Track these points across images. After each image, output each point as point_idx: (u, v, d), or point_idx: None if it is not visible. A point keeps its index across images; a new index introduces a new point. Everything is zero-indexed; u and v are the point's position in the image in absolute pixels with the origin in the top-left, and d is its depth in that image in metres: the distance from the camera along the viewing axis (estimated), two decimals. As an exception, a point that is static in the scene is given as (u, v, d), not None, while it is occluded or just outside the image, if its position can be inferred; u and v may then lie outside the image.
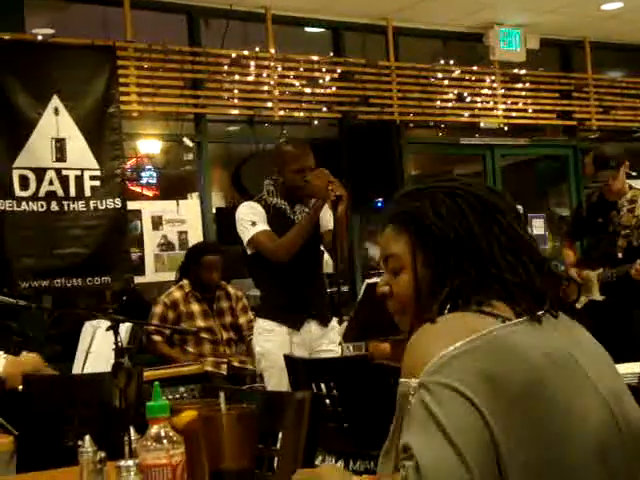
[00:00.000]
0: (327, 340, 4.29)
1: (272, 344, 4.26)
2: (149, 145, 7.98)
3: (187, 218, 7.18)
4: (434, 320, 1.47)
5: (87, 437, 1.38)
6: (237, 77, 7.27)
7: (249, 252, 4.33)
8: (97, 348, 4.24)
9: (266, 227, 4.25)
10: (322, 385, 3.18)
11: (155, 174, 8.61)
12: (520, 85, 8.75)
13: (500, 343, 1.39)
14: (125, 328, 3.71)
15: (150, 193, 8.60)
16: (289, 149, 4.36)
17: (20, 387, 3.46)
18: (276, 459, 2.02)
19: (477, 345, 1.37)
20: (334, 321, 4.37)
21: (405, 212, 1.59)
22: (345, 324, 4.65)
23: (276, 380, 4.16)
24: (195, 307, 5.67)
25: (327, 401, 3.13)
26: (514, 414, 1.33)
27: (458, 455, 1.28)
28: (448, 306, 1.49)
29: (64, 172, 6.32)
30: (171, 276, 6.30)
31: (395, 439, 1.43)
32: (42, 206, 6.22)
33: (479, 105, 8.52)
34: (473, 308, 1.46)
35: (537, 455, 1.34)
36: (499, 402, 1.33)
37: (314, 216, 4.20)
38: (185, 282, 5.74)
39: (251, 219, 4.27)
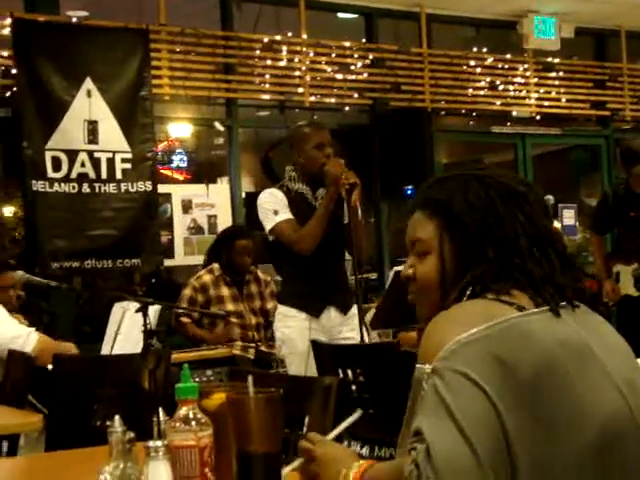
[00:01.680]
0: (347, 327, 4.28)
1: (292, 330, 4.27)
2: (180, 129, 8.01)
3: (217, 202, 7.20)
4: (450, 306, 1.49)
5: (117, 417, 1.40)
6: (269, 62, 7.27)
7: (270, 239, 4.33)
8: (126, 329, 4.27)
9: (289, 215, 4.24)
10: (348, 371, 3.19)
11: (186, 158, 8.66)
12: (553, 74, 8.68)
13: (515, 330, 1.39)
14: (154, 310, 3.73)
15: (180, 177, 8.65)
16: (305, 129, 4.36)
17: (50, 366, 3.50)
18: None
19: (492, 332, 1.37)
20: (354, 308, 4.35)
21: (435, 198, 1.61)
22: (372, 311, 4.65)
23: (296, 366, 4.17)
24: (225, 291, 5.69)
25: (353, 387, 3.13)
26: (525, 400, 1.34)
27: (467, 442, 1.29)
28: (468, 292, 1.51)
29: (96, 154, 6.36)
30: (200, 259, 6.32)
31: (409, 424, 1.43)
32: (74, 188, 6.27)
33: (511, 94, 8.47)
34: (491, 296, 1.48)
35: (546, 441, 1.34)
36: (510, 389, 1.33)
37: (329, 204, 4.19)
38: (215, 266, 5.75)
39: (273, 208, 4.25)
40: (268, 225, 4.25)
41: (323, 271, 4.26)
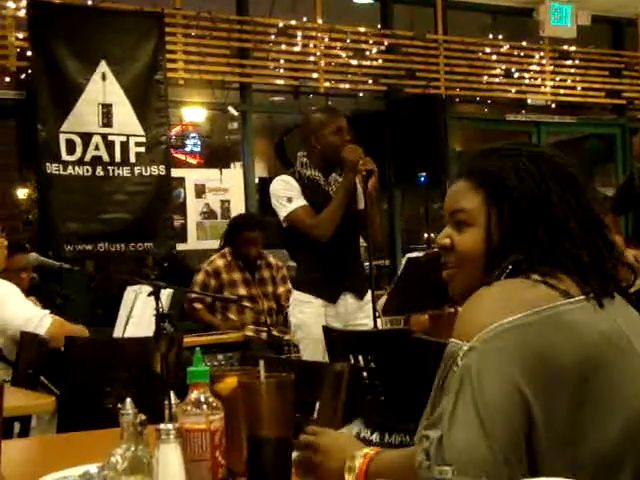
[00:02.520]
0: (363, 313, 4.28)
1: (307, 316, 4.27)
2: (194, 113, 8.01)
3: (230, 187, 7.20)
4: (490, 284, 1.43)
5: (128, 399, 1.40)
6: (283, 47, 7.25)
7: (284, 226, 4.33)
8: (138, 313, 4.29)
9: (303, 202, 4.23)
10: (360, 357, 3.19)
11: (199, 142, 8.65)
12: (569, 62, 8.63)
13: (559, 320, 1.36)
14: (166, 294, 3.74)
15: (194, 161, 8.64)
16: (321, 114, 4.34)
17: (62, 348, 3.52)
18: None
19: (536, 319, 1.35)
20: (370, 294, 4.35)
21: (484, 169, 1.54)
22: (384, 298, 4.65)
23: (311, 351, 4.18)
24: (237, 275, 5.70)
25: (364, 374, 3.13)
26: (561, 395, 1.32)
27: (485, 434, 1.27)
28: (508, 270, 1.45)
29: (110, 137, 6.37)
30: (213, 244, 6.33)
31: (435, 401, 1.41)
32: (88, 171, 6.28)
33: (527, 81, 8.43)
34: (535, 277, 1.43)
35: (579, 437, 1.33)
36: (547, 382, 1.31)
37: (347, 188, 4.18)
38: (227, 250, 5.77)
39: (287, 195, 4.23)
40: (283, 212, 4.24)
41: (338, 257, 4.26)
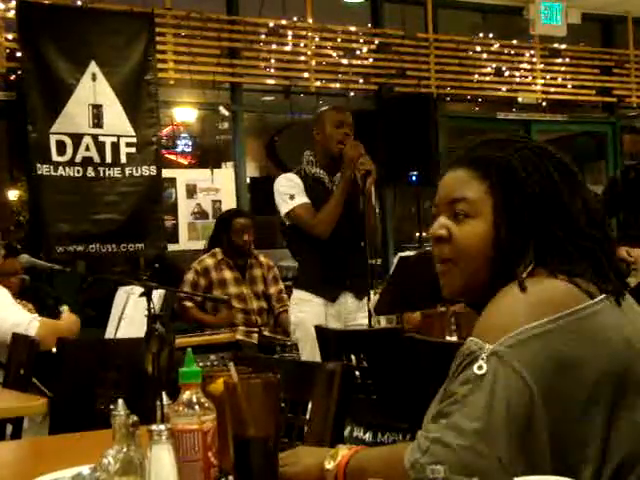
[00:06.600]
0: (363, 314, 4.28)
1: (307, 315, 4.27)
2: (185, 113, 8.00)
3: (221, 187, 7.20)
4: (524, 286, 1.34)
5: (120, 400, 1.40)
6: (274, 47, 7.26)
7: (287, 223, 4.34)
8: (130, 314, 4.28)
9: (305, 199, 4.25)
10: (352, 357, 3.19)
11: (190, 142, 8.64)
12: (560, 60, 8.65)
13: (587, 324, 1.32)
14: (158, 295, 3.73)
15: (185, 161, 8.63)
16: (329, 110, 4.45)
17: (54, 350, 3.51)
18: (305, 428, 2.03)
19: (563, 324, 1.30)
20: (371, 294, 4.35)
21: (491, 159, 1.44)
22: (377, 297, 4.65)
23: (309, 350, 4.18)
24: (227, 274, 5.67)
25: (357, 373, 3.14)
26: (580, 406, 1.29)
27: (482, 441, 1.25)
28: (530, 269, 1.38)
29: (100, 138, 6.36)
30: (205, 244, 6.32)
31: (446, 395, 1.36)
32: (78, 171, 6.27)
33: (517, 80, 8.45)
34: (562, 277, 1.36)
35: (593, 455, 1.30)
36: (566, 394, 1.28)
37: (345, 186, 4.19)
38: (217, 250, 5.75)
39: (290, 192, 4.26)
40: (284, 209, 4.26)
41: (341, 256, 4.27)
